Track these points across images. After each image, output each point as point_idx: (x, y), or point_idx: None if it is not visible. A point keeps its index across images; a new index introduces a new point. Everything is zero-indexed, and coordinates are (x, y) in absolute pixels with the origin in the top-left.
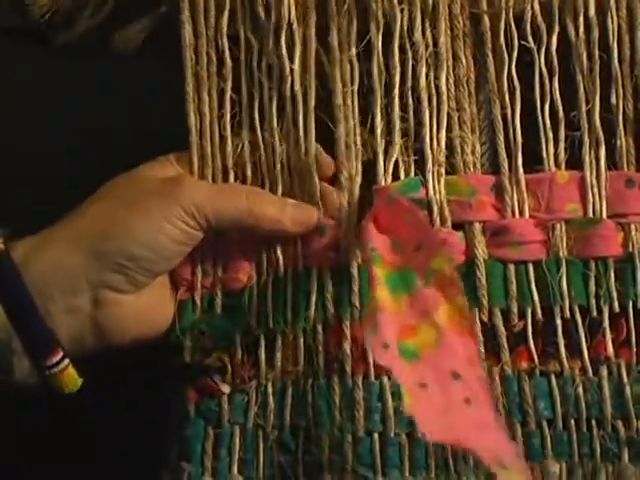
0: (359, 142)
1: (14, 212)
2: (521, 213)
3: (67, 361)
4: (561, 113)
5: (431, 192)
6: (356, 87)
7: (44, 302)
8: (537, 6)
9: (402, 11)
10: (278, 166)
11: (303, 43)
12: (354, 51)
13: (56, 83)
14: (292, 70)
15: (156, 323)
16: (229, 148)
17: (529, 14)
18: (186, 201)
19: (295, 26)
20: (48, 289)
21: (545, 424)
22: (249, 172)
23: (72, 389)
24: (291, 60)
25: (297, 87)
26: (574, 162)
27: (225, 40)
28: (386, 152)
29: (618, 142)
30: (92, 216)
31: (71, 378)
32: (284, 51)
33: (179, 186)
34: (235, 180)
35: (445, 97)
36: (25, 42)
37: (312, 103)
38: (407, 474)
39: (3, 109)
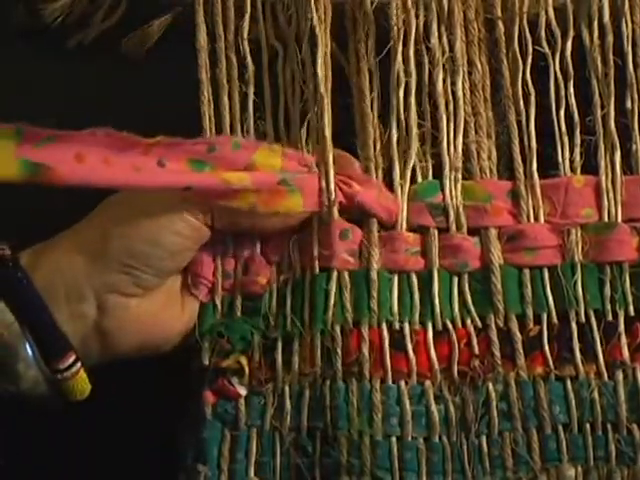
0: (379, 149)
1: (30, 213)
2: (536, 218)
3: (79, 364)
4: (576, 118)
5: (448, 197)
6: (376, 94)
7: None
8: (552, 11)
9: (418, 17)
10: None
11: (325, 48)
12: (373, 59)
13: (69, 84)
14: (315, 75)
15: (163, 331)
16: None
17: (544, 19)
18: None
19: (317, 31)
20: (53, 295)
21: (561, 428)
22: None
23: (81, 395)
24: (314, 65)
25: (322, 90)
26: (589, 167)
27: (246, 44)
28: (404, 158)
29: (634, 146)
30: (95, 221)
31: (82, 382)
32: (308, 56)
33: None
34: None
35: (461, 102)
36: (39, 44)
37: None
38: (424, 478)
39: (17, 110)
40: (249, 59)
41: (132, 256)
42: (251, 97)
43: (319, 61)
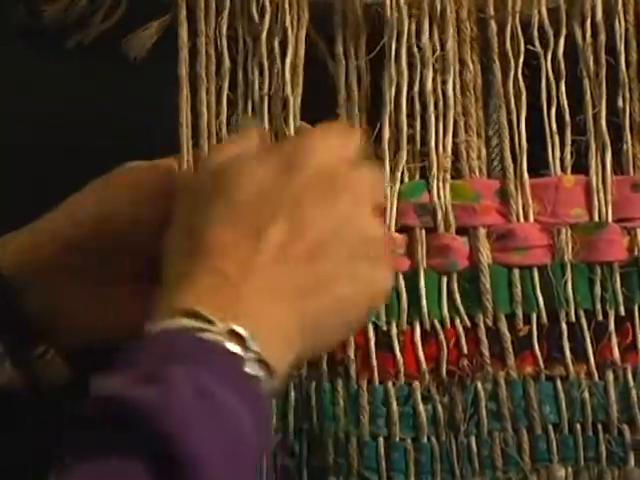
0: None
1: (30, 213)
2: (526, 217)
3: (53, 351)
4: (567, 117)
5: (435, 197)
6: (363, 93)
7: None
8: (544, 10)
9: (410, 16)
10: None
11: (295, 46)
12: (362, 59)
13: (69, 84)
14: (283, 73)
15: (135, 316)
16: None
17: (536, 18)
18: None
19: (289, 30)
20: (19, 281)
21: (551, 428)
22: None
23: (58, 380)
24: (282, 63)
25: (288, 91)
26: (580, 167)
27: (224, 40)
28: (394, 158)
29: (624, 146)
30: (69, 207)
31: (59, 367)
32: (277, 53)
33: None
34: None
35: (452, 102)
36: (39, 44)
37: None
38: (412, 479)
39: (17, 109)
40: (226, 54)
41: (101, 245)
42: (225, 91)
43: (287, 63)
